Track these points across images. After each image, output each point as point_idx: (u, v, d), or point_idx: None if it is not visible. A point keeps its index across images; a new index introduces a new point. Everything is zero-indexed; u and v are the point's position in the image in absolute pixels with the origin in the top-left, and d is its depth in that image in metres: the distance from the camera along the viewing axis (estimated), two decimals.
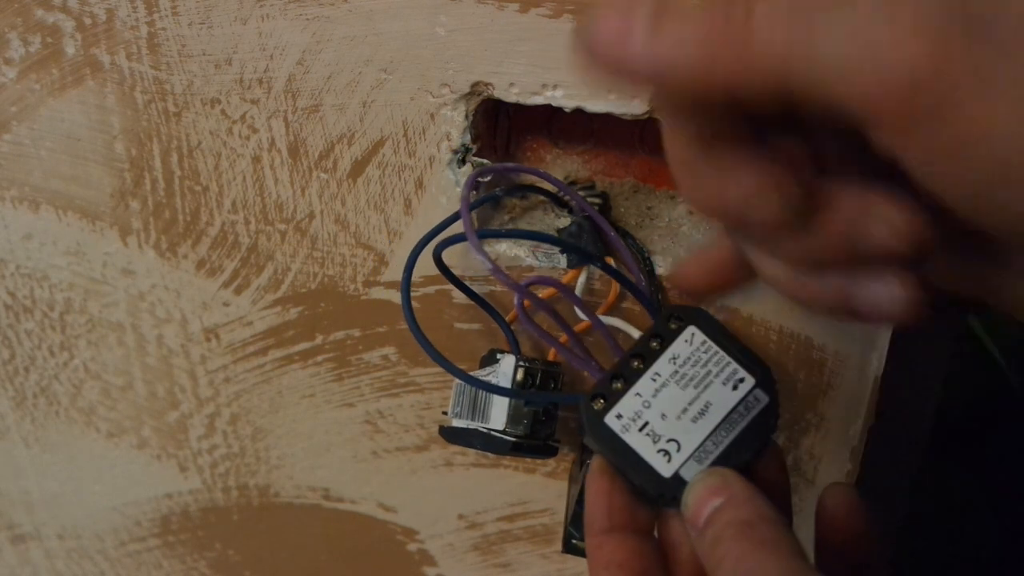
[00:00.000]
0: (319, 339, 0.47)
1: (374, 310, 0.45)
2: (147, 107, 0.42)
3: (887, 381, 0.42)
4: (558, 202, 0.41)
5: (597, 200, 0.41)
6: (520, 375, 0.38)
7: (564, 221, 0.41)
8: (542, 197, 0.42)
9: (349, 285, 0.45)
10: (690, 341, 0.34)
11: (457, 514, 0.50)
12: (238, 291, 0.46)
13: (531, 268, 0.42)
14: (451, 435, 0.40)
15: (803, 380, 0.42)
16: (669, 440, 0.33)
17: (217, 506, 0.54)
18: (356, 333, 0.46)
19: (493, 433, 0.38)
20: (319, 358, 0.47)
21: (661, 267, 0.40)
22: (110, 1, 0.40)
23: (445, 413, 0.40)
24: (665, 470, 0.33)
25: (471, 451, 0.48)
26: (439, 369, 0.45)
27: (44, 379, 0.51)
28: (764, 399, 0.34)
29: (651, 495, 0.33)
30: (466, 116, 0.39)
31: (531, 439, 0.38)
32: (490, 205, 0.43)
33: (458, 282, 0.39)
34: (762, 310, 0.41)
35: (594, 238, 0.40)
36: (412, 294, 0.44)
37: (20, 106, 0.43)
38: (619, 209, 0.43)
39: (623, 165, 0.43)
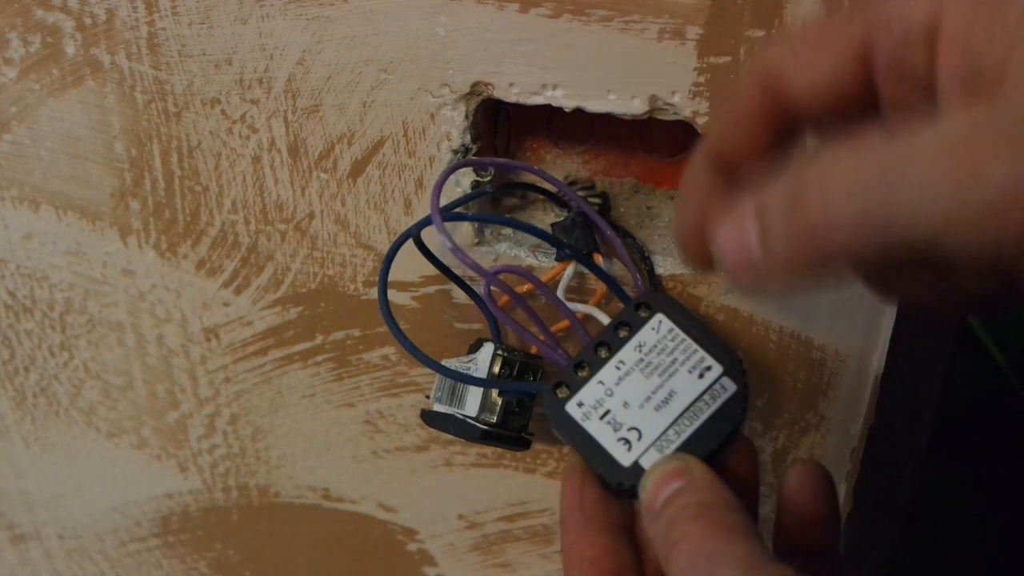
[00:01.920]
0: (319, 339, 0.47)
1: (374, 310, 0.45)
2: (147, 107, 0.42)
3: (887, 381, 0.42)
4: (557, 201, 0.41)
5: (597, 200, 0.41)
6: (497, 364, 0.39)
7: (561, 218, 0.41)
8: (540, 196, 0.43)
9: (349, 285, 0.45)
10: (657, 329, 0.34)
11: (457, 514, 0.50)
12: (238, 291, 0.46)
13: (531, 267, 0.42)
14: (430, 419, 0.40)
15: (803, 380, 0.42)
16: (630, 429, 0.33)
17: (217, 506, 0.54)
18: (356, 333, 0.46)
19: (467, 420, 0.38)
20: (319, 358, 0.47)
21: (661, 268, 0.40)
22: (110, 1, 0.40)
23: (428, 397, 0.40)
24: (625, 459, 0.32)
25: (471, 451, 0.48)
26: None
27: (44, 379, 0.51)
28: (732, 387, 0.33)
29: (610, 484, 0.32)
30: (466, 116, 0.39)
31: (502, 428, 0.39)
32: (487, 201, 0.43)
33: (437, 261, 0.39)
34: (762, 310, 0.41)
35: (585, 234, 0.40)
36: (412, 294, 0.44)
37: (20, 106, 0.43)
38: (619, 209, 0.43)
39: (623, 165, 0.43)
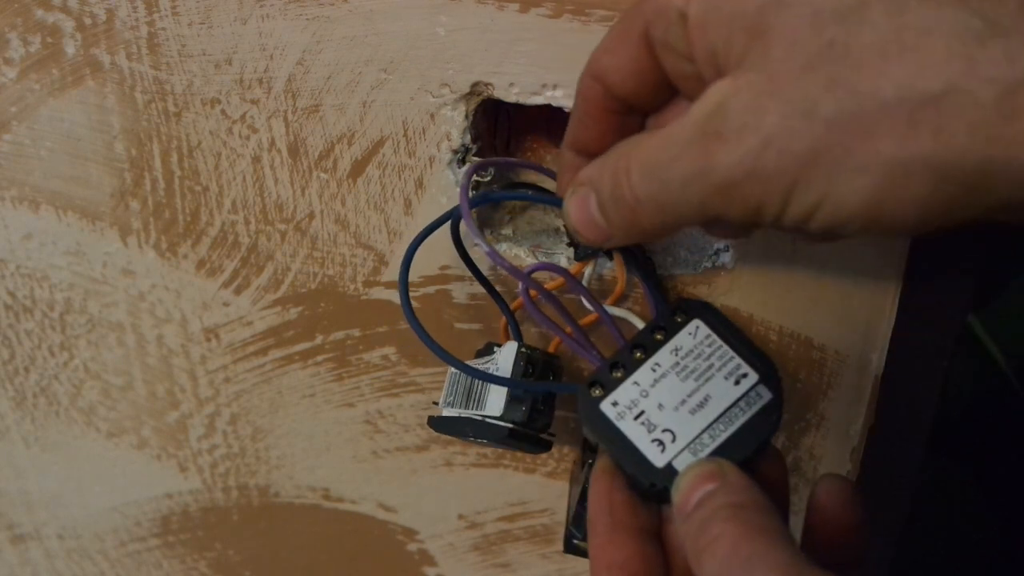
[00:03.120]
0: (319, 339, 0.47)
1: (374, 310, 0.45)
2: (147, 107, 0.42)
3: (887, 381, 0.42)
4: (558, 203, 0.41)
5: None
6: (522, 363, 0.38)
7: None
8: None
9: (349, 285, 0.45)
10: (694, 334, 0.34)
11: (457, 514, 0.50)
12: (238, 291, 0.46)
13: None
14: (440, 425, 0.39)
15: (803, 380, 0.42)
16: (664, 430, 0.32)
17: (217, 506, 0.54)
18: (356, 333, 0.46)
19: (488, 420, 0.37)
20: (319, 358, 0.47)
21: (661, 268, 0.40)
22: (110, 1, 0.40)
23: (435, 404, 0.40)
24: (658, 460, 0.32)
25: (471, 451, 0.48)
26: (439, 369, 0.46)
27: (44, 379, 0.51)
28: (767, 396, 0.33)
29: (643, 485, 0.32)
30: (466, 116, 0.39)
31: (528, 427, 0.38)
32: (489, 205, 0.43)
33: (468, 259, 0.38)
34: (762, 310, 0.41)
35: None
36: (412, 294, 0.44)
37: (20, 106, 0.43)
38: None
39: None
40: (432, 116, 0.39)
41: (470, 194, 0.37)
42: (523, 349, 0.38)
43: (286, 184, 0.43)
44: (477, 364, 0.38)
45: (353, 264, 0.44)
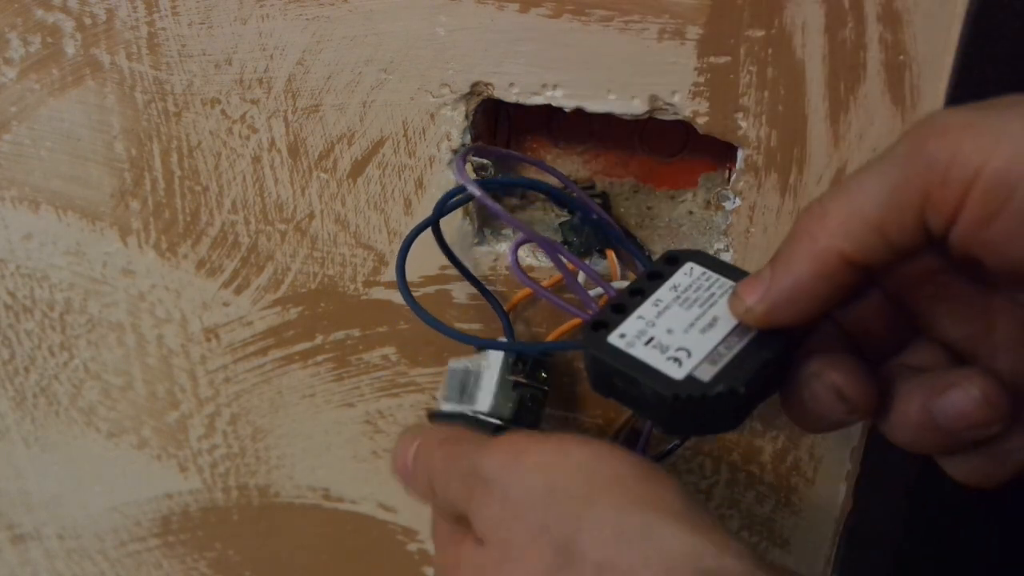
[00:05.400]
0: (319, 339, 0.47)
1: (374, 310, 0.45)
2: (147, 107, 0.42)
3: None
4: (558, 201, 0.41)
5: (597, 200, 0.41)
6: (511, 359, 0.39)
7: (564, 218, 0.41)
8: (542, 195, 0.43)
9: (349, 285, 0.45)
10: (689, 274, 0.33)
11: None
12: (238, 291, 0.46)
13: (531, 267, 0.42)
14: (438, 419, 0.40)
15: None
16: (678, 349, 0.31)
17: (217, 506, 0.54)
18: (356, 333, 0.46)
19: (479, 416, 0.38)
20: (319, 358, 0.47)
21: None
22: (110, 1, 0.40)
23: (435, 398, 0.40)
24: (677, 373, 0.30)
25: None
26: (439, 369, 0.46)
27: (44, 379, 0.51)
28: None
29: (666, 400, 0.30)
30: (466, 116, 0.39)
31: (516, 423, 0.38)
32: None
33: (455, 259, 0.39)
34: None
35: (595, 233, 0.40)
36: (413, 294, 0.44)
37: (20, 106, 0.43)
38: (619, 209, 0.43)
39: (623, 165, 0.43)
40: (432, 116, 0.39)
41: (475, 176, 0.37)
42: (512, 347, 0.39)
43: (286, 184, 0.43)
44: (469, 361, 0.38)
45: (353, 264, 0.44)
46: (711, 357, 0.31)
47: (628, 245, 0.39)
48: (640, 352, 0.31)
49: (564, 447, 0.31)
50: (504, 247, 0.42)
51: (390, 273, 0.44)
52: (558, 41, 0.37)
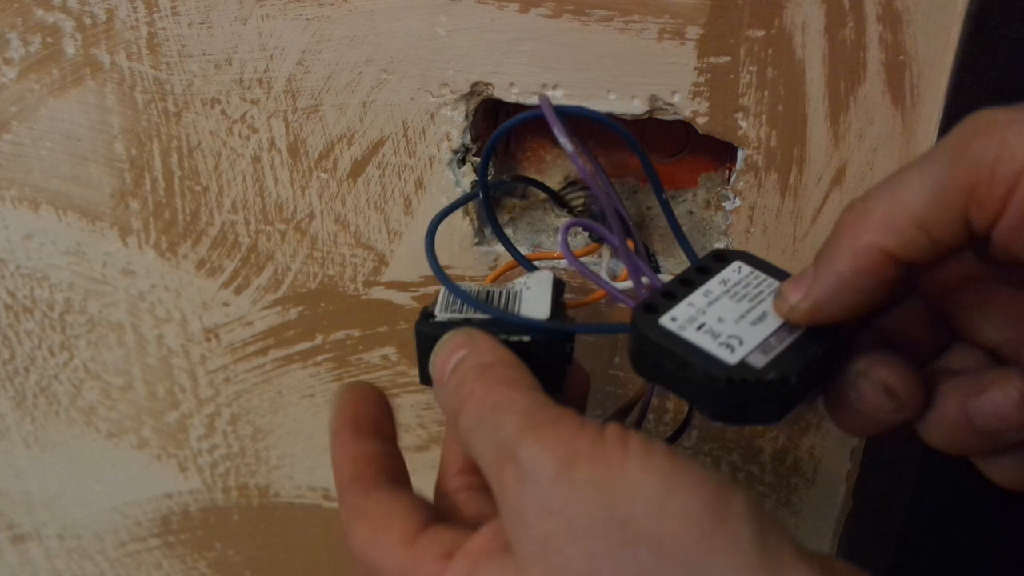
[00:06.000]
0: (319, 339, 0.47)
1: (374, 310, 0.45)
2: (147, 107, 0.42)
3: None
4: (558, 202, 0.41)
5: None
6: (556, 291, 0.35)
7: (566, 218, 0.41)
8: (543, 196, 0.42)
9: (349, 285, 0.45)
10: (738, 271, 0.33)
11: None
12: (238, 291, 0.46)
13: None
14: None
15: None
16: (730, 336, 0.31)
17: (217, 506, 0.54)
18: (356, 333, 0.46)
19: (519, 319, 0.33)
20: (319, 358, 0.47)
21: (664, 270, 0.40)
22: (110, 1, 0.40)
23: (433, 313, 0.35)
24: (730, 359, 0.30)
25: None
26: None
27: (44, 379, 0.51)
28: None
29: (719, 381, 0.30)
30: (466, 116, 0.39)
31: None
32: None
33: (438, 267, 0.37)
34: None
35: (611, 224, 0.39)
36: (412, 294, 0.44)
37: (20, 106, 0.43)
38: None
39: (623, 165, 0.43)
40: (432, 116, 0.39)
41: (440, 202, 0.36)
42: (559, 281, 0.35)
43: (286, 184, 0.43)
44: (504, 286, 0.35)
45: (353, 264, 0.44)
46: (763, 347, 0.31)
47: (679, 238, 0.38)
48: (692, 336, 0.31)
49: (623, 465, 0.26)
50: (503, 248, 0.42)
51: (390, 273, 0.44)
52: (558, 41, 0.37)
